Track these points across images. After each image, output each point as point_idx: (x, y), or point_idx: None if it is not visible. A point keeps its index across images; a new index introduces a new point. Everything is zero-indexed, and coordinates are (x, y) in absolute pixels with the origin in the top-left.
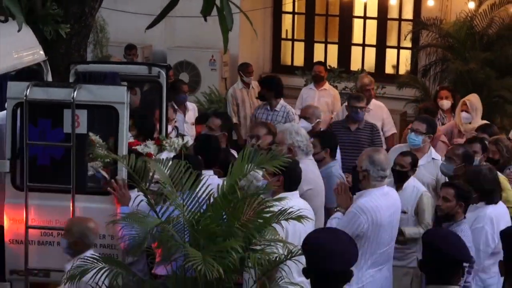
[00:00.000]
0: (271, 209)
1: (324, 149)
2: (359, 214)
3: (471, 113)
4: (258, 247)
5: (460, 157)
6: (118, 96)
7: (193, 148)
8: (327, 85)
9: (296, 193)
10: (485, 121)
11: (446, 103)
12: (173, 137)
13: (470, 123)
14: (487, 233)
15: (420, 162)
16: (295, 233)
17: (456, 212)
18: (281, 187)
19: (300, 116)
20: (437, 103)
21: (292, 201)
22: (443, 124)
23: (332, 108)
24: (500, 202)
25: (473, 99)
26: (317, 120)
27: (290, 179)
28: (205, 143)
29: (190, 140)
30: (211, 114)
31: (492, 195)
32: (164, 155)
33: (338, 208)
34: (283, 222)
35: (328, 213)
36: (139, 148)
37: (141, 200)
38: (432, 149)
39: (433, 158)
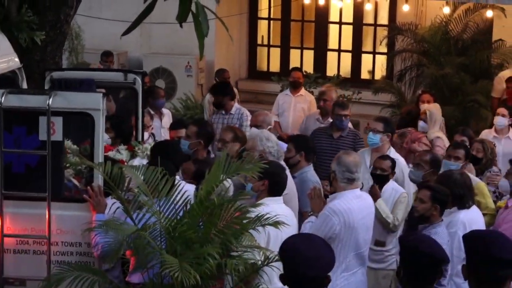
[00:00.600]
0: (248, 215)
1: (299, 152)
2: (331, 216)
3: (428, 123)
4: (235, 253)
5: (428, 163)
6: (94, 103)
7: (151, 154)
8: (303, 91)
9: (280, 199)
10: (440, 133)
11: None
12: (146, 144)
13: (425, 133)
14: (459, 238)
15: None
16: (277, 238)
17: (431, 214)
18: (265, 191)
19: (251, 125)
20: (419, 107)
21: (270, 206)
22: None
23: (308, 113)
24: (474, 207)
25: (434, 109)
26: (269, 127)
27: (275, 183)
28: (163, 148)
29: None
30: (185, 120)
31: (463, 199)
32: (137, 162)
33: (312, 213)
34: (265, 227)
35: (302, 217)
36: (111, 154)
37: (118, 207)
38: (392, 148)
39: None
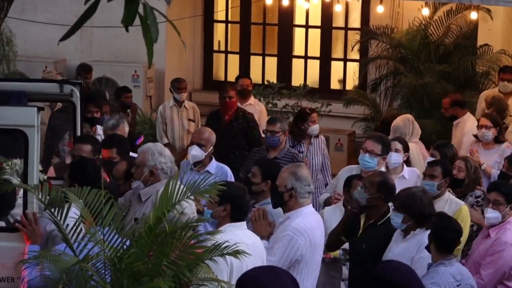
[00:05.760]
0: (204, 243)
1: (265, 181)
2: (297, 236)
3: (391, 136)
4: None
5: (375, 186)
6: (27, 118)
7: (68, 175)
8: (252, 100)
9: (243, 224)
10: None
11: (316, 128)
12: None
13: None
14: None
15: None
16: (242, 269)
17: (430, 248)
18: (227, 217)
19: (194, 142)
20: (301, 126)
21: (232, 233)
22: (300, 152)
23: (259, 123)
24: None
25: (400, 122)
26: (211, 147)
27: (238, 208)
28: (81, 168)
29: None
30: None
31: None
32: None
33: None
34: (227, 257)
35: None
36: None
37: (56, 236)
38: (382, 168)
39: None
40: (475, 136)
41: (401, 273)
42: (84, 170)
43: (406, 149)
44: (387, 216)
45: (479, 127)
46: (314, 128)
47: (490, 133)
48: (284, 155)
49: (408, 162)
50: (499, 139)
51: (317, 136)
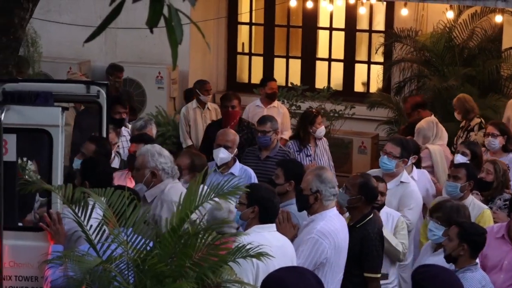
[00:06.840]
0: (228, 245)
1: (288, 181)
2: (321, 239)
3: (416, 139)
4: None
5: (356, 188)
6: (52, 118)
7: (79, 174)
8: (276, 102)
9: (272, 226)
10: (432, 146)
11: (322, 130)
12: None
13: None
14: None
15: (388, 185)
16: (268, 271)
17: (459, 254)
18: (256, 219)
19: (220, 144)
20: (308, 129)
21: (259, 235)
22: (307, 155)
23: (282, 128)
24: None
25: (424, 124)
26: (236, 149)
27: (266, 210)
28: (92, 166)
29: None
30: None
31: None
32: None
33: None
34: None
35: None
36: None
37: (79, 236)
38: (405, 172)
39: (401, 182)
40: (483, 144)
41: (440, 280)
42: (94, 168)
43: (415, 151)
44: (367, 219)
45: (486, 135)
46: (322, 130)
47: (497, 142)
48: (276, 154)
49: (418, 164)
50: (507, 148)
51: (320, 138)
